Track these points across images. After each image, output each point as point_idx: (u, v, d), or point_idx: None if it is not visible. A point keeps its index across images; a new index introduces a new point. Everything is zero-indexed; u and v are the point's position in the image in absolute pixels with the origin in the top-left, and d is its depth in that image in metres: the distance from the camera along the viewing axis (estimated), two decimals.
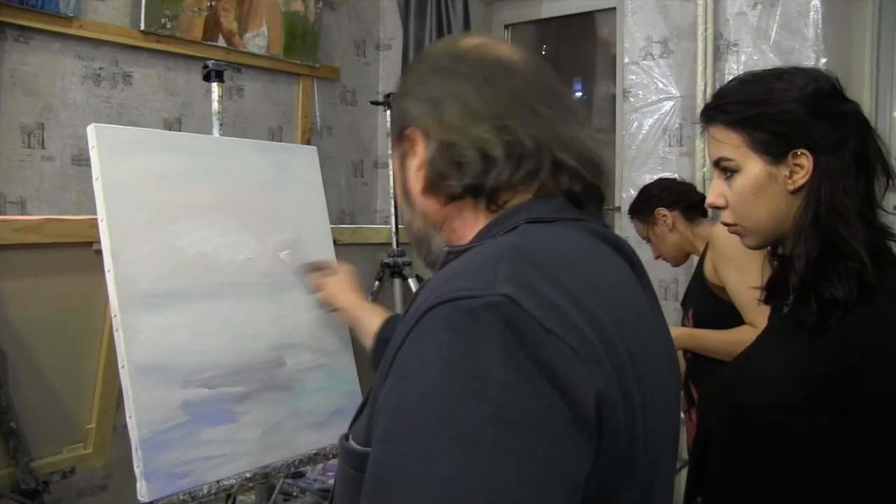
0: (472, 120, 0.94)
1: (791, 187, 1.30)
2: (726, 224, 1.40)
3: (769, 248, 1.44)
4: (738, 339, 2.29)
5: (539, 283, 0.78)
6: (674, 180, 2.87)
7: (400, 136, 1.03)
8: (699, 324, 2.48)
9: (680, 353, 2.52)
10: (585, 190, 0.96)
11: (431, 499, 0.68)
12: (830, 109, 1.30)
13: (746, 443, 1.35)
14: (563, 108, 0.98)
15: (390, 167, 2.71)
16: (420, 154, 0.99)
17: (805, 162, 1.28)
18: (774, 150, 1.30)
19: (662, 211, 2.67)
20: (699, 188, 3.11)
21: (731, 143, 1.33)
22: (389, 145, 1.10)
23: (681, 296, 2.87)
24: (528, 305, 0.74)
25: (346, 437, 0.91)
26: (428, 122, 0.97)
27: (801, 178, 1.29)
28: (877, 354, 1.19)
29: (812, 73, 1.33)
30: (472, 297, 0.75)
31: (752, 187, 1.32)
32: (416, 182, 1.00)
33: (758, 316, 2.23)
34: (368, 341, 1.62)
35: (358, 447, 0.86)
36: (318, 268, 1.81)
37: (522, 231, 0.89)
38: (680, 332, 2.42)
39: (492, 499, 0.68)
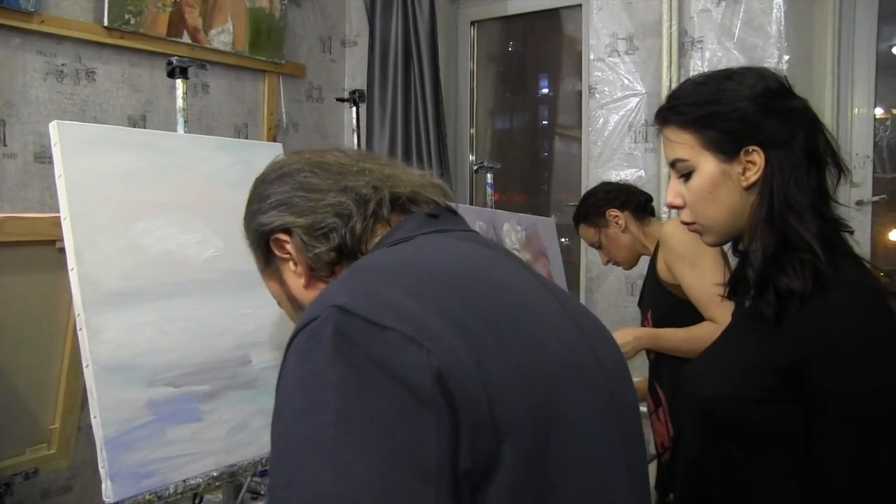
0: (318, 196, 1.07)
1: (745, 184, 1.33)
2: (685, 223, 1.43)
3: (731, 244, 1.47)
4: (699, 335, 2.30)
5: (376, 284, 0.87)
6: (617, 183, 2.87)
7: (267, 252, 1.13)
8: (659, 324, 2.48)
9: (643, 354, 2.53)
10: (438, 209, 1.08)
11: None
12: (779, 106, 1.33)
13: (712, 436, 1.37)
14: (384, 162, 1.14)
15: None
16: (291, 251, 1.09)
17: (757, 158, 1.32)
18: (727, 148, 1.33)
19: (614, 212, 2.66)
20: (664, 185, 3.13)
21: (685, 144, 1.36)
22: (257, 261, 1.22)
23: None
24: (357, 309, 0.82)
25: None
26: (285, 220, 1.08)
27: (754, 174, 1.32)
28: (832, 343, 1.22)
29: (761, 73, 1.37)
30: (313, 319, 0.82)
31: (708, 186, 1.35)
32: (298, 283, 1.11)
33: (716, 310, 2.25)
34: None
35: None
36: None
37: (376, 252, 1.02)
38: (642, 332, 2.42)
39: (342, 495, 0.73)
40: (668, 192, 1.42)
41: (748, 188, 1.33)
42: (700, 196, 1.36)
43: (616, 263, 2.79)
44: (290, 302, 1.15)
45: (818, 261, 1.25)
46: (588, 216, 2.73)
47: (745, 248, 1.39)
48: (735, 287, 1.48)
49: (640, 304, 2.72)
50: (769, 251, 1.30)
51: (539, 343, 0.92)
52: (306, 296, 1.10)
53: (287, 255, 1.11)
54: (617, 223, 2.66)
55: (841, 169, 1.34)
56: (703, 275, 2.29)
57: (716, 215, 1.37)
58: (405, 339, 0.79)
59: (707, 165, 1.35)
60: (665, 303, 2.48)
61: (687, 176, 1.37)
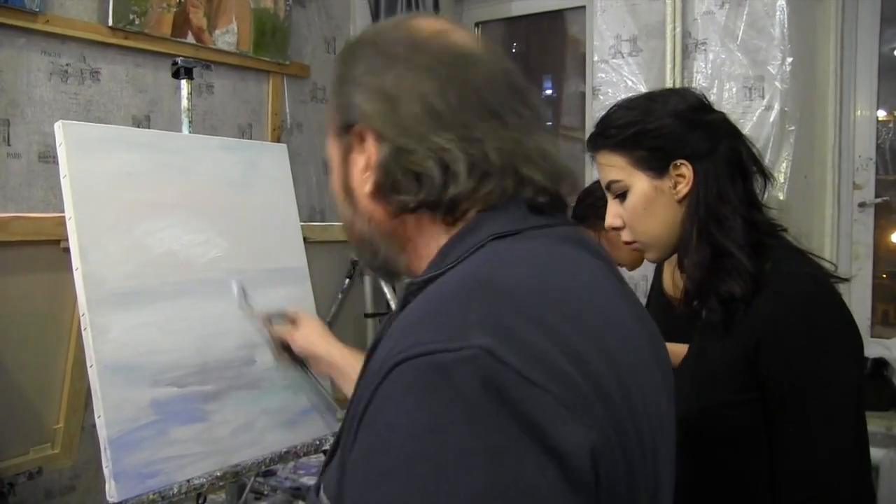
0: (433, 125, 0.83)
1: (677, 197, 1.39)
2: (626, 243, 1.48)
3: (676, 258, 1.50)
4: None
5: (515, 323, 0.68)
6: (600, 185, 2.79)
7: (346, 129, 0.91)
8: (664, 339, 2.42)
9: None
10: (549, 201, 0.87)
11: None
12: (701, 120, 1.39)
13: (693, 449, 1.38)
14: (528, 111, 0.89)
15: None
16: (371, 155, 0.87)
17: (686, 171, 1.37)
18: (656, 164, 1.39)
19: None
20: None
21: (616, 166, 1.43)
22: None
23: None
24: (506, 356, 0.65)
25: (317, 489, 0.84)
26: (382, 122, 0.86)
27: (685, 186, 1.38)
28: (779, 332, 1.27)
29: (681, 92, 1.47)
30: (442, 350, 0.65)
31: (642, 203, 1.41)
32: (361, 183, 0.89)
33: None
34: (349, 388, 1.51)
35: (328, 502, 0.79)
36: (277, 318, 1.68)
37: (490, 253, 0.80)
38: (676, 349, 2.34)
39: None
40: (608, 215, 1.47)
41: (681, 201, 1.39)
42: (636, 214, 1.42)
43: (619, 265, 2.74)
44: (342, 187, 0.94)
45: (749, 264, 1.30)
46: (586, 218, 2.54)
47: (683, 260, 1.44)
48: (688, 301, 1.51)
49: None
50: (704, 260, 1.35)
51: (658, 413, 0.82)
52: (366, 204, 0.90)
53: (364, 152, 0.89)
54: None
55: (766, 176, 1.41)
56: None
57: (654, 231, 1.42)
58: (558, 404, 0.65)
59: (639, 184, 1.40)
60: (670, 318, 2.40)
61: (622, 197, 1.42)
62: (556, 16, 4.12)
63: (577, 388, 0.67)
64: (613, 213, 1.45)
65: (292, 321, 1.68)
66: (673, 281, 2.40)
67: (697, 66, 3.40)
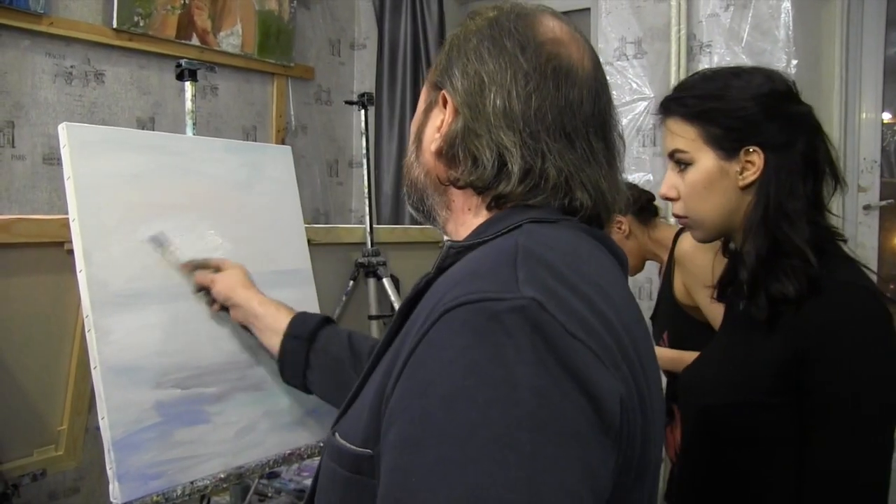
0: (507, 123, 0.90)
1: (741, 183, 1.33)
2: (677, 216, 1.43)
3: (721, 243, 1.47)
4: None
5: (556, 286, 0.76)
6: None
7: (438, 87, 0.98)
8: (675, 346, 2.41)
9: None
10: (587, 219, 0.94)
11: None
12: (783, 110, 1.33)
13: (712, 442, 1.37)
14: (601, 144, 0.95)
15: (364, 166, 2.71)
16: (446, 120, 0.95)
17: (756, 159, 1.32)
18: (727, 145, 1.33)
19: (617, 218, 2.60)
20: None
21: (685, 136, 1.36)
22: (423, 98, 1.05)
23: (654, 295, 2.87)
24: (553, 309, 0.72)
25: (332, 433, 0.88)
26: (464, 101, 0.93)
27: (752, 174, 1.32)
28: (828, 344, 1.23)
29: (769, 74, 1.37)
30: (495, 299, 0.72)
31: (704, 180, 1.35)
32: (431, 138, 0.98)
33: None
34: (273, 338, 1.51)
35: (352, 447, 0.83)
36: (203, 266, 1.63)
37: (528, 231, 0.86)
38: (663, 353, 2.36)
39: None
40: (664, 183, 1.42)
41: (744, 188, 1.34)
42: (695, 190, 1.37)
43: None
44: (416, 133, 1.03)
45: (810, 266, 1.26)
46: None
47: (738, 248, 1.39)
48: (725, 288, 1.48)
49: (652, 318, 2.64)
50: (762, 253, 1.30)
51: (658, 390, 0.90)
52: (429, 158, 0.99)
53: (442, 113, 0.97)
54: (620, 229, 2.58)
55: (838, 179, 1.35)
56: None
57: (709, 211, 1.37)
58: (595, 357, 0.73)
59: (706, 160, 1.35)
60: (682, 325, 2.40)
61: (684, 168, 1.37)
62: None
63: (608, 347, 0.75)
64: (670, 184, 1.40)
65: (217, 269, 1.63)
66: (685, 289, 2.39)
67: (702, 68, 3.39)
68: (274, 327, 1.52)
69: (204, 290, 1.61)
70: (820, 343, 1.23)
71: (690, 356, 2.30)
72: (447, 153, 0.95)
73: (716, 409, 1.34)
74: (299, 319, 1.51)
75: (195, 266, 1.62)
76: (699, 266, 2.28)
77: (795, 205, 1.30)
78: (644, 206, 2.60)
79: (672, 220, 3.12)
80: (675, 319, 2.44)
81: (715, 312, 2.29)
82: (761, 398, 1.28)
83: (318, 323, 1.50)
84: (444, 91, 0.96)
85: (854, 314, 1.24)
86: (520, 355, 0.69)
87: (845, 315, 1.24)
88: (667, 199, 1.42)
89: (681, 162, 1.38)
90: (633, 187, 2.71)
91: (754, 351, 1.31)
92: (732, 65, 1.45)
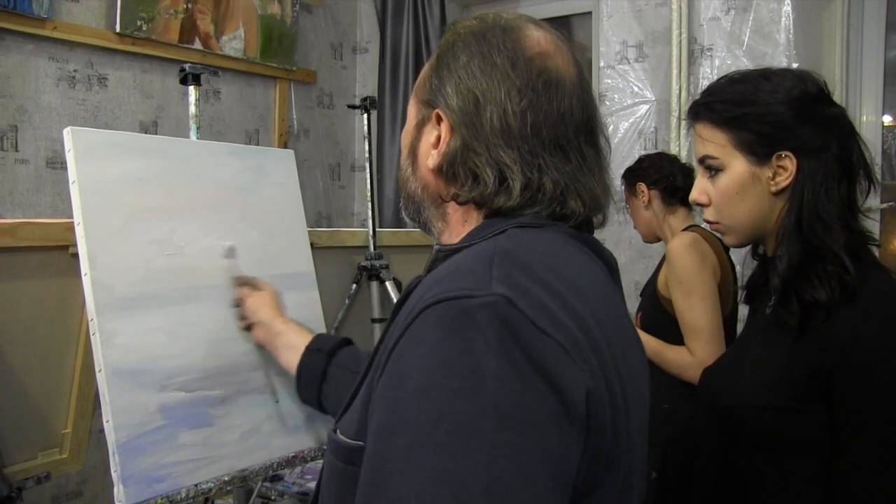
0: (505, 140, 0.93)
1: (774, 188, 1.31)
2: (708, 221, 1.41)
3: (750, 248, 1.46)
4: (668, 357, 2.39)
5: (529, 284, 0.80)
6: (667, 158, 2.79)
7: (429, 105, 1.00)
8: (644, 328, 2.51)
9: None
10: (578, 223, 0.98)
11: (429, 490, 0.70)
12: (816, 113, 1.30)
13: (733, 445, 1.36)
14: (593, 152, 0.98)
15: (367, 170, 2.71)
16: (442, 138, 0.97)
17: (789, 164, 1.29)
18: (759, 150, 1.31)
19: (642, 186, 2.68)
20: None
21: (716, 142, 1.34)
22: (417, 98, 1.05)
23: None
24: (522, 305, 0.77)
25: (333, 430, 0.94)
26: (461, 119, 0.95)
27: (785, 179, 1.30)
28: (860, 354, 1.20)
29: (800, 75, 1.34)
30: (467, 296, 0.77)
31: (736, 186, 1.33)
32: (427, 154, 1.00)
33: (696, 344, 2.32)
34: (290, 356, 1.55)
35: (347, 440, 0.88)
36: (245, 283, 1.68)
37: (510, 235, 0.90)
38: (647, 341, 2.43)
39: (489, 489, 0.69)
40: (695, 188, 1.40)
41: (777, 193, 1.31)
42: (727, 196, 1.35)
43: (635, 227, 2.83)
44: (409, 149, 1.05)
45: (846, 272, 1.23)
46: (626, 177, 2.76)
47: (769, 253, 1.37)
48: (753, 292, 1.47)
49: (641, 295, 2.75)
50: (794, 259, 1.28)
51: (638, 385, 0.94)
52: (425, 174, 1.01)
53: (436, 132, 0.99)
54: (642, 197, 2.69)
55: (872, 181, 1.33)
56: (693, 305, 2.34)
57: (741, 217, 1.35)
58: (562, 350, 0.77)
59: (737, 166, 1.32)
60: (655, 312, 2.52)
61: (715, 174, 1.35)
62: (563, 22, 4.12)
63: (577, 341, 0.79)
64: (701, 189, 1.38)
65: (255, 288, 1.68)
66: (665, 282, 2.47)
67: (703, 71, 3.41)
68: (294, 344, 1.56)
69: (238, 305, 1.67)
70: (855, 352, 1.20)
71: (671, 351, 2.37)
72: (447, 171, 0.98)
73: (738, 411, 1.33)
74: (322, 337, 1.56)
75: (244, 282, 1.68)
76: (681, 266, 2.36)
77: (830, 209, 1.27)
78: (673, 190, 2.64)
79: (704, 224, 3.13)
80: (652, 304, 2.55)
81: (683, 311, 2.36)
82: (785, 403, 1.26)
83: (341, 341, 1.54)
84: (437, 110, 0.98)
85: (888, 327, 1.22)
86: (488, 348, 0.74)
87: (880, 327, 1.22)
88: (698, 204, 1.40)
89: (711, 168, 1.36)
90: (674, 162, 2.73)
91: (781, 356, 1.29)
92: (762, 67, 1.41)
